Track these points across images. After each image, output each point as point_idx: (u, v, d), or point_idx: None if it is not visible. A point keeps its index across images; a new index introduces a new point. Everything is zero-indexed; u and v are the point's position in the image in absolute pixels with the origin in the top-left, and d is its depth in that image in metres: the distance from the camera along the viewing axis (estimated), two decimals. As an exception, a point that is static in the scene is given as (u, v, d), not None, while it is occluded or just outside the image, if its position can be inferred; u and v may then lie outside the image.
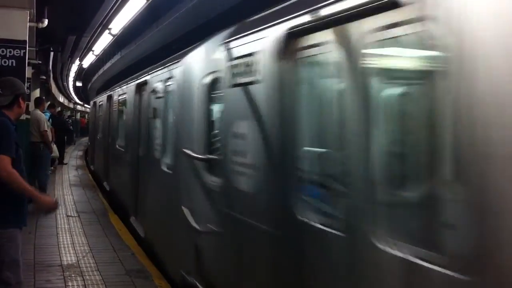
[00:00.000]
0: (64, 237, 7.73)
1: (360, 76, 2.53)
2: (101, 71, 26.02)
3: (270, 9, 3.73)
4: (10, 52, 7.86)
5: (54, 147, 14.25)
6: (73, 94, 47.32)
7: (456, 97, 1.95)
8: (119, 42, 16.55)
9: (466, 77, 1.89)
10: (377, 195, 2.44)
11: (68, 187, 12.88)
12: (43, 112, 11.31)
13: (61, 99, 43.23)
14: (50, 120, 14.01)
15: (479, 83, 1.86)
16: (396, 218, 2.47)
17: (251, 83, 3.60)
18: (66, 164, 18.04)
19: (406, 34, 2.25)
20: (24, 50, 8.02)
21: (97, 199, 11.53)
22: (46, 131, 10.47)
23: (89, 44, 17.40)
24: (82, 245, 7.30)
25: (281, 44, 3.22)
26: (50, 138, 11.01)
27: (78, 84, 37.22)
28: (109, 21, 12.50)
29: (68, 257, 6.68)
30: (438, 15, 2.01)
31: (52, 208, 3.90)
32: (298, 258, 3.04)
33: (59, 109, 26.31)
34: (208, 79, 4.66)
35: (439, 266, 2.00)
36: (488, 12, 1.86)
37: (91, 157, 18.33)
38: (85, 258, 6.65)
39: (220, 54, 4.20)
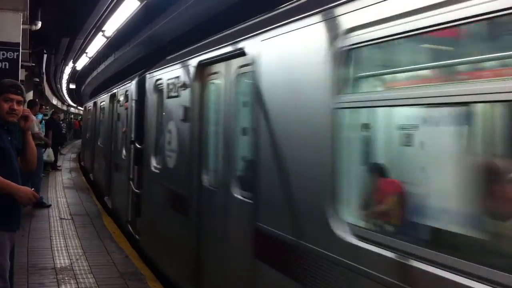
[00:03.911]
0: (58, 240, 7.71)
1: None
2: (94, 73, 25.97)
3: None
4: (3, 54, 7.82)
5: (50, 150, 14.20)
6: (66, 96, 47.22)
7: None
8: (113, 45, 16.53)
9: None
10: None
11: (61, 190, 12.85)
12: (36, 115, 11.26)
13: (55, 101, 43.12)
14: (43, 122, 13.97)
15: None
16: None
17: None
18: (60, 169, 17.50)
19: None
20: (17, 53, 7.99)
21: (91, 201, 11.50)
22: (38, 133, 10.45)
23: (83, 46, 17.38)
24: (75, 248, 7.29)
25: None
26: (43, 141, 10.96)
27: (72, 86, 37.12)
28: (103, 23, 12.49)
29: (62, 260, 6.67)
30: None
31: (31, 198, 3.71)
32: None
33: (52, 111, 26.23)
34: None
35: None
36: None
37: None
38: (79, 261, 6.64)
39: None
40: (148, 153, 6.77)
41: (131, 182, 7.75)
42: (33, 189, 3.83)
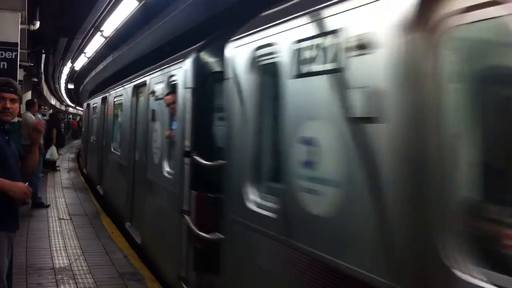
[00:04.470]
0: (56, 240, 7.70)
1: None
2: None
3: None
4: (1, 54, 7.81)
5: (54, 149, 14.19)
6: (65, 96, 47.18)
7: None
8: (111, 44, 16.51)
9: None
10: None
11: (60, 190, 12.83)
12: (34, 115, 11.25)
13: (53, 101, 43.10)
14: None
15: None
16: None
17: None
18: (58, 170, 17.21)
19: None
20: (16, 53, 7.98)
21: (89, 201, 11.49)
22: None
23: (81, 46, 17.36)
24: (74, 248, 7.28)
25: None
26: (42, 141, 10.95)
27: (70, 86, 37.10)
28: (101, 23, 12.49)
29: (60, 260, 6.66)
30: None
31: (26, 193, 3.67)
32: None
33: (55, 111, 26.22)
34: None
35: None
36: None
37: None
38: (77, 261, 6.63)
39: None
40: (235, 177, 3.89)
41: (186, 217, 4.82)
42: (27, 183, 3.80)
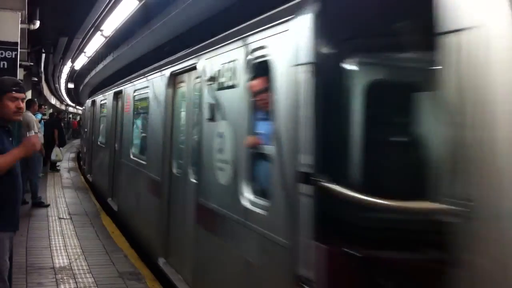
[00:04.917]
0: (56, 240, 7.70)
1: None
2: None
3: None
4: (1, 54, 7.84)
5: (58, 149, 14.17)
6: (65, 95, 47.19)
7: None
8: (111, 44, 16.50)
9: None
10: None
11: (60, 189, 12.82)
12: (34, 114, 11.25)
13: (53, 101, 43.13)
14: (42, 122, 13.95)
15: None
16: None
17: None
18: (58, 169, 16.95)
19: None
20: (16, 52, 8.00)
21: (90, 201, 11.49)
22: (36, 133, 10.38)
23: (81, 46, 17.35)
24: (74, 248, 7.28)
25: None
26: (42, 141, 10.95)
27: (70, 85, 37.10)
28: (101, 22, 12.48)
29: (60, 260, 6.66)
30: None
31: (34, 144, 3.75)
32: None
33: (50, 110, 26.19)
34: None
35: None
36: None
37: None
38: (77, 261, 6.63)
39: None
40: None
41: None
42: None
